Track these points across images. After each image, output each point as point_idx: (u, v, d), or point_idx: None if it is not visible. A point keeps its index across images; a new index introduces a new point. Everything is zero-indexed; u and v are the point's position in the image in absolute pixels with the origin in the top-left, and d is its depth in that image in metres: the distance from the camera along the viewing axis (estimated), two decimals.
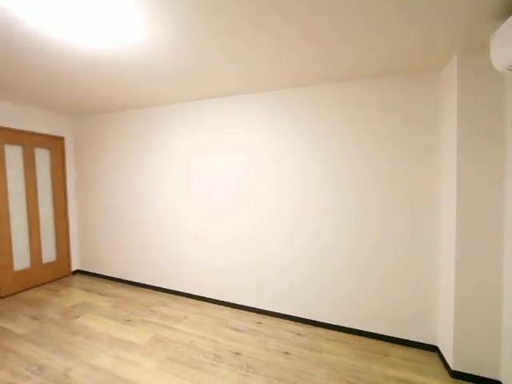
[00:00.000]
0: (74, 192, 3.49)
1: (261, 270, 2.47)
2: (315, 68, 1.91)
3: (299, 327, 2.28)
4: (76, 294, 2.90)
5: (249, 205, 2.50)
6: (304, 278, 2.32)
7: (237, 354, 1.93)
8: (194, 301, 2.76)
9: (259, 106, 2.42)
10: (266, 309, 2.48)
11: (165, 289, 2.95)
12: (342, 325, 2.20)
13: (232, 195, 2.56)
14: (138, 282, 3.11)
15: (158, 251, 2.97)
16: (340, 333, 2.19)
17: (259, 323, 2.34)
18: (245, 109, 2.48)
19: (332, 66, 1.88)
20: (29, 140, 3.00)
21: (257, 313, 2.52)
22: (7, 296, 2.83)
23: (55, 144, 3.27)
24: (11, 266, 2.87)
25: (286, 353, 1.94)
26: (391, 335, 2.06)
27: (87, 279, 3.35)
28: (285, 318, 2.41)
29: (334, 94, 2.17)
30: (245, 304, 2.55)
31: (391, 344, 2.05)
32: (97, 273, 3.42)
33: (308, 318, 2.33)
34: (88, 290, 3.01)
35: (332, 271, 2.22)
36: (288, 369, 1.78)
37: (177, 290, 2.88)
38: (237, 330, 2.24)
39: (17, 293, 2.93)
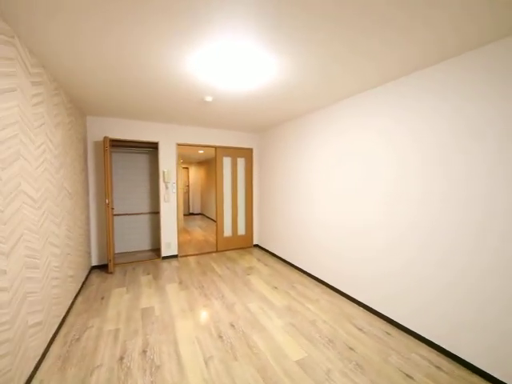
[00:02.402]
0: (256, 188, 4.83)
1: (405, 276, 2.19)
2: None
3: (437, 357, 1.80)
4: (252, 260, 4.07)
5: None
6: (458, 295, 1.78)
7: (351, 348, 1.94)
8: (329, 290, 2.94)
9: (379, 101, 2.14)
10: (400, 322, 2.16)
11: (309, 273, 3.36)
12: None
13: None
14: (291, 262, 3.77)
15: (308, 242, 3.43)
16: None
17: (388, 334, 2.11)
18: (362, 106, 2.28)
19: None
20: (234, 152, 4.59)
21: (388, 322, 2.26)
22: (219, 251, 4.56)
23: (247, 154, 4.72)
24: (222, 233, 4.58)
25: (410, 376, 1.67)
26: None
27: (260, 252, 4.53)
28: (419, 339, 1.98)
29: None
30: (379, 310, 2.37)
31: None
32: (266, 248, 4.53)
33: (451, 351, 1.77)
34: (259, 260, 4.10)
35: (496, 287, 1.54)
36: None
37: (317, 277, 3.19)
38: (360, 329, 2.18)
39: (223, 251, 4.62)
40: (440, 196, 1.88)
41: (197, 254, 4.36)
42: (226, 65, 1.95)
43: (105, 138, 3.31)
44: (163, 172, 3.99)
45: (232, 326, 2.25)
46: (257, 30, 1.51)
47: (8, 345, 1.36)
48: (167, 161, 4.01)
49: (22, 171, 1.56)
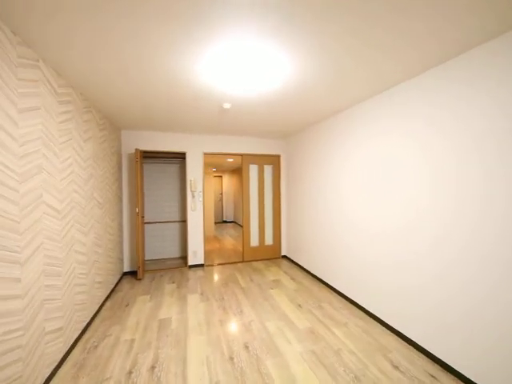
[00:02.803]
0: (284, 196, 4.63)
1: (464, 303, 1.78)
2: None
3: None
4: (278, 273, 3.86)
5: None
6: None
7: None
8: (362, 314, 2.58)
9: (407, 95, 1.79)
10: (448, 362, 1.74)
11: (339, 292, 3.02)
12: None
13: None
14: (320, 277, 3.46)
15: (338, 254, 3.11)
16: None
17: (433, 377, 1.71)
18: (396, 103, 1.95)
19: None
20: (260, 160, 4.49)
21: (433, 361, 1.84)
22: (246, 261, 4.44)
23: (275, 161, 4.58)
24: (249, 242, 4.47)
25: None
26: None
27: (288, 264, 4.28)
28: None
29: None
30: (423, 345, 1.97)
31: None
32: (294, 260, 4.26)
33: None
34: (286, 272, 3.87)
35: None
36: None
37: (349, 297, 2.84)
38: (396, 367, 1.82)
39: (249, 261, 4.48)
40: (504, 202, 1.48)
41: (223, 264, 4.31)
42: (239, 68, 1.86)
43: (136, 150, 3.50)
44: (190, 181, 4.06)
45: (246, 347, 2.08)
46: (272, 27, 1.39)
47: (19, 351, 1.41)
48: (194, 170, 4.08)
49: (44, 183, 1.66)
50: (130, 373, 1.80)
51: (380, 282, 2.38)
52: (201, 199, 4.12)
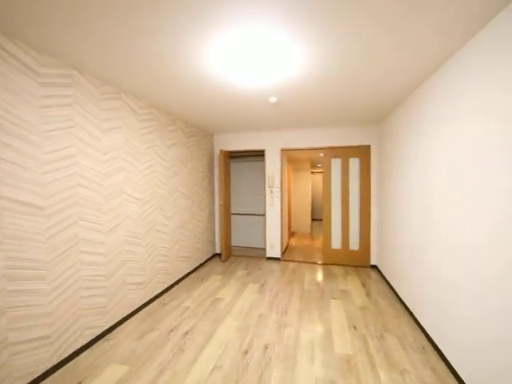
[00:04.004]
0: (375, 194, 3.82)
1: None
2: None
3: None
4: (354, 283, 3.28)
5: None
6: None
7: None
8: (442, 367, 1.77)
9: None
10: None
11: (422, 327, 2.21)
12: None
13: None
14: (404, 301, 2.65)
15: (435, 285, 2.30)
16: None
17: None
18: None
19: None
20: (345, 152, 3.94)
21: None
22: (325, 264, 4.07)
23: (363, 152, 3.87)
24: (329, 244, 4.06)
25: None
26: None
27: (375, 276, 3.52)
28: None
29: None
30: None
31: None
32: (383, 274, 3.45)
33: None
34: (363, 285, 3.23)
35: None
36: None
37: (432, 338, 2.03)
38: None
39: (329, 264, 4.07)
40: None
41: (300, 262, 4.19)
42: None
43: (220, 151, 4.08)
44: (268, 177, 4.23)
45: (266, 347, 2.02)
46: None
47: (104, 290, 2.14)
48: (272, 167, 4.20)
49: (125, 180, 2.38)
50: (171, 331, 2.24)
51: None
52: (278, 195, 4.19)
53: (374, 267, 3.87)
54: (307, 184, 6.59)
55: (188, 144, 3.56)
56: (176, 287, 3.19)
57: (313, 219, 9.18)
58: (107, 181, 2.19)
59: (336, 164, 4.00)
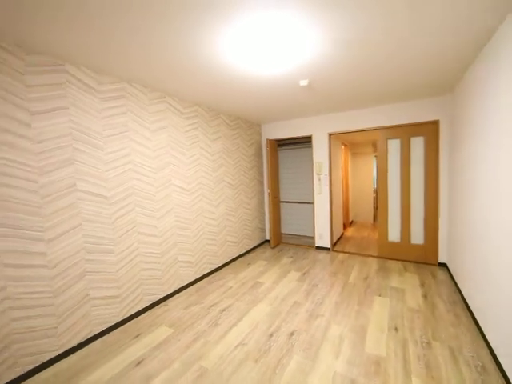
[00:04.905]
0: (444, 179, 3.17)
1: None
2: None
3: None
4: (410, 281, 2.89)
5: None
6: None
7: None
8: None
9: None
10: None
11: (488, 342, 1.81)
12: None
13: None
14: (471, 308, 2.19)
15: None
16: None
17: None
18: None
19: None
20: (404, 131, 3.39)
21: None
22: (381, 258, 3.69)
23: (429, 130, 3.23)
24: (386, 236, 3.64)
25: None
26: None
27: (442, 276, 2.99)
28: None
29: None
30: None
31: None
32: (453, 275, 2.90)
33: None
34: (422, 284, 2.80)
35: None
36: None
37: (499, 359, 1.65)
38: None
39: (386, 258, 3.65)
40: None
41: (351, 253, 3.92)
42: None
43: (267, 140, 4.12)
44: (316, 163, 4.04)
45: (291, 333, 2.06)
46: None
47: (159, 265, 2.58)
48: (320, 153, 3.99)
49: (172, 172, 2.73)
50: (211, 306, 2.53)
51: None
52: (327, 183, 3.97)
53: (444, 266, 3.28)
54: (369, 169, 5.96)
55: (233, 136, 3.74)
56: (224, 269, 3.51)
57: (376, 207, 8.27)
58: (158, 174, 2.57)
59: (393, 145, 3.49)
